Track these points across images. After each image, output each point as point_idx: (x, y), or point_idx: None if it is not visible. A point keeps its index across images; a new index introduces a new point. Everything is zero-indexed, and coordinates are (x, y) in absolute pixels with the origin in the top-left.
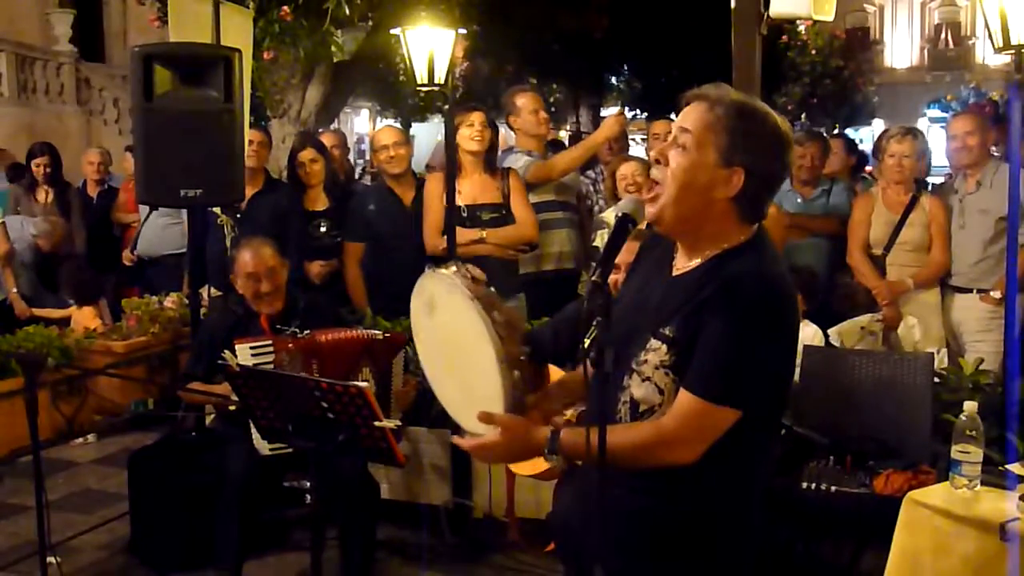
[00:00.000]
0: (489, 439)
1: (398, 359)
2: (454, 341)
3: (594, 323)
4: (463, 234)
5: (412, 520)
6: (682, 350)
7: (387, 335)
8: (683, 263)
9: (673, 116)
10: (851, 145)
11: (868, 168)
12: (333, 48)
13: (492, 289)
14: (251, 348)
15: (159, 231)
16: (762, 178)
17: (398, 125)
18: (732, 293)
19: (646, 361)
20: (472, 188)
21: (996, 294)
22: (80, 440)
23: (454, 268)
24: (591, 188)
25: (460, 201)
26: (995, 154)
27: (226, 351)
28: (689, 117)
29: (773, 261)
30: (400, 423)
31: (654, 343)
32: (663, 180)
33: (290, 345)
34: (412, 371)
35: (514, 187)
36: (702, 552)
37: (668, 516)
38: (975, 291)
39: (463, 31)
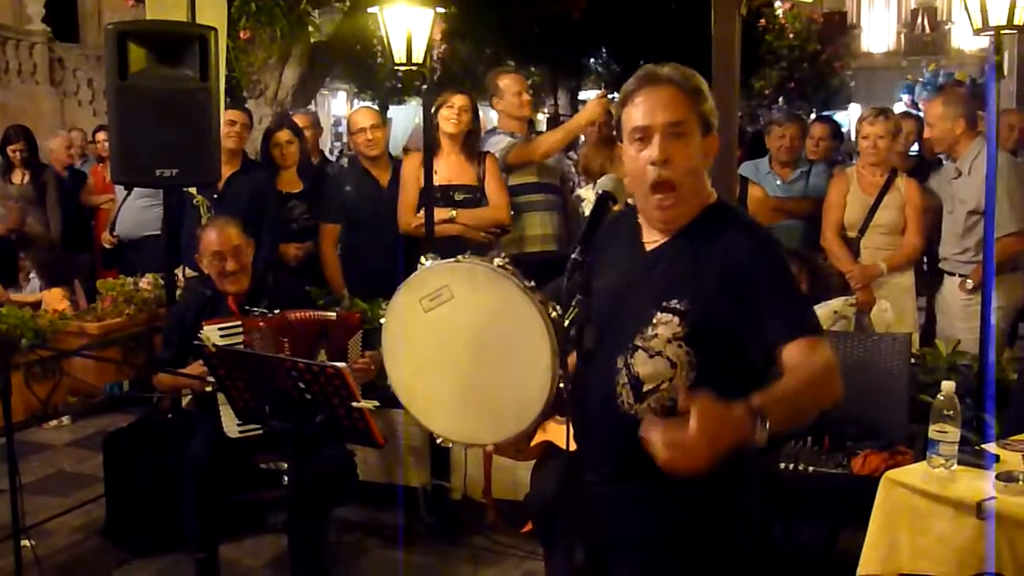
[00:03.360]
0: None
1: (355, 340)
2: (473, 337)
3: (574, 302)
4: (434, 213)
5: (390, 501)
6: (695, 320)
7: (340, 315)
8: (656, 236)
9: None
10: (836, 128)
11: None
12: (310, 28)
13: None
14: (219, 329)
15: (138, 212)
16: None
17: (375, 107)
18: (758, 247)
19: (656, 336)
20: (448, 169)
21: (969, 283)
22: (54, 422)
23: (498, 259)
24: (572, 170)
25: (436, 181)
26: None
27: (201, 332)
28: (669, 106)
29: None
30: (378, 404)
31: (663, 316)
32: (677, 179)
33: (261, 324)
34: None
35: (490, 171)
36: (712, 536)
37: (680, 504)
38: (957, 275)
39: (441, 10)
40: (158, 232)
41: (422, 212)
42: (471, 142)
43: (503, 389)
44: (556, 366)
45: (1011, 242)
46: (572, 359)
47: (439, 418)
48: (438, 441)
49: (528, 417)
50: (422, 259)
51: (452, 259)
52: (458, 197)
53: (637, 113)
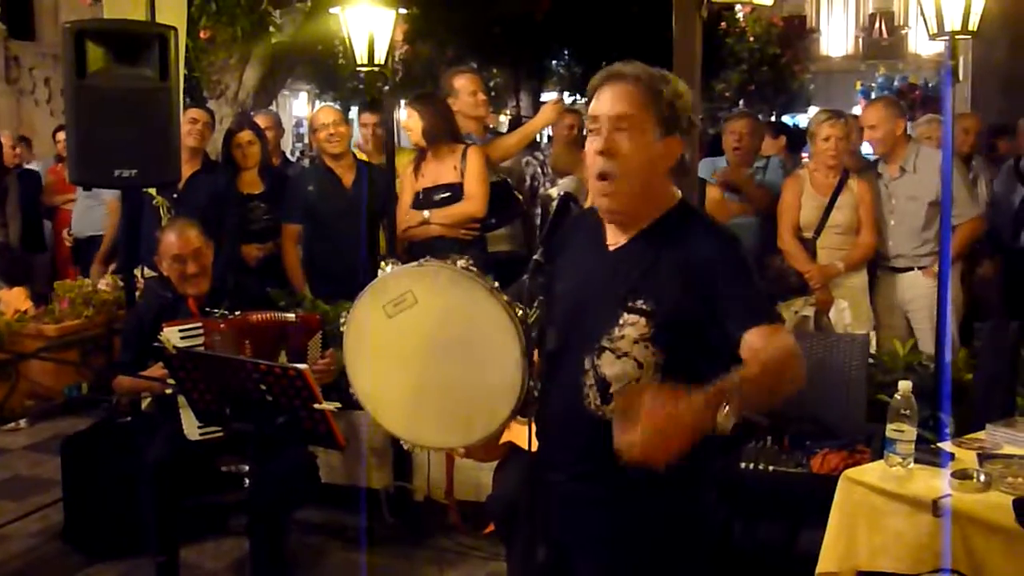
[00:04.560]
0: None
1: (314, 341)
2: (439, 341)
3: (537, 303)
4: (413, 217)
5: (352, 503)
6: (662, 321)
7: (300, 317)
8: (619, 236)
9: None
10: (778, 126)
11: (804, 155)
12: (271, 28)
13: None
14: (180, 331)
15: (83, 213)
16: (689, 139)
17: (337, 107)
18: (720, 246)
19: (622, 337)
20: (435, 170)
21: (936, 268)
22: (11, 425)
23: (461, 261)
24: (538, 170)
25: (424, 184)
26: (911, 135)
27: (161, 335)
28: (621, 100)
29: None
30: (340, 405)
31: (629, 318)
32: (613, 171)
33: (222, 326)
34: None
35: (470, 164)
36: (675, 536)
37: (644, 504)
38: (916, 268)
39: (403, 11)
40: (100, 233)
41: (409, 215)
42: (444, 139)
43: (473, 391)
44: (526, 364)
45: (973, 227)
46: (536, 358)
47: (409, 426)
48: (406, 448)
49: (500, 417)
50: (382, 264)
51: (415, 263)
52: (437, 198)
53: (593, 104)
